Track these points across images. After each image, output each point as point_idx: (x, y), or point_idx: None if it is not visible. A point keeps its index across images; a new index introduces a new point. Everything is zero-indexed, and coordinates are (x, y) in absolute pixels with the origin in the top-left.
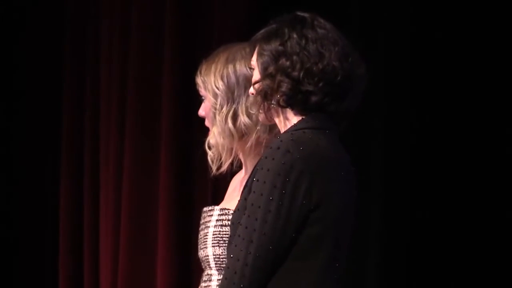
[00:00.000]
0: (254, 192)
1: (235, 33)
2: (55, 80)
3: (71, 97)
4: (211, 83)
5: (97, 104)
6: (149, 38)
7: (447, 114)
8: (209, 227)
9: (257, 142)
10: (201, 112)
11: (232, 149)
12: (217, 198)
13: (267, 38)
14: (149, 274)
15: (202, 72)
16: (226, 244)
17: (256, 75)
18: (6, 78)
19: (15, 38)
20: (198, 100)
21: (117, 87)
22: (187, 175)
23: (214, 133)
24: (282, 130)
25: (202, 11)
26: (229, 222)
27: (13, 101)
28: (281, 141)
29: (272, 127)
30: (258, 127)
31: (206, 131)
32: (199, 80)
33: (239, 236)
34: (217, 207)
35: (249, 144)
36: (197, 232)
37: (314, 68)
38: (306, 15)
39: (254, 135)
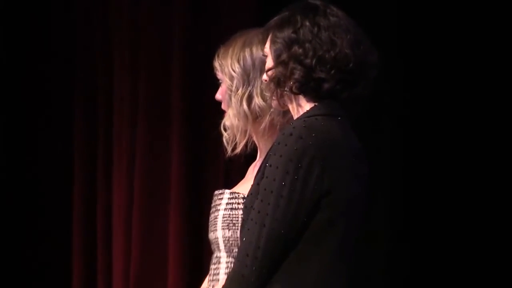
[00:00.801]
0: (267, 177)
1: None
2: (67, 78)
3: (83, 98)
4: (227, 66)
5: (109, 94)
6: (158, 35)
7: (445, 114)
8: (219, 210)
9: (271, 124)
10: (218, 95)
11: (246, 130)
12: (229, 182)
13: (280, 26)
14: (161, 263)
15: (220, 55)
16: (236, 227)
17: (269, 62)
18: (24, 84)
19: (29, 48)
20: (210, 87)
21: (128, 74)
22: (199, 160)
23: (229, 115)
24: (295, 116)
25: (209, 14)
26: (239, 205)
27: (29, 105)
28: (293, 127)
29: (286, 112)
30: (272, 109)
31: (220, 116)
32: (216, 63)
33: (251, 220)
34: (227, 191)
35: (263, 125)
36: (206, 216)
37: (327, 56)
38: (318, 2)
39: (268, 117)
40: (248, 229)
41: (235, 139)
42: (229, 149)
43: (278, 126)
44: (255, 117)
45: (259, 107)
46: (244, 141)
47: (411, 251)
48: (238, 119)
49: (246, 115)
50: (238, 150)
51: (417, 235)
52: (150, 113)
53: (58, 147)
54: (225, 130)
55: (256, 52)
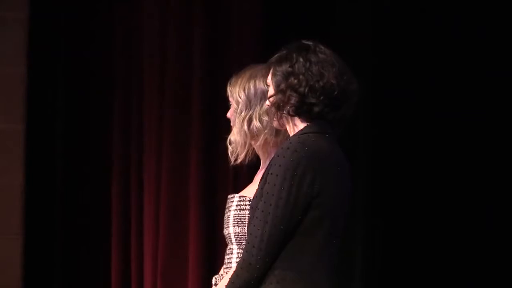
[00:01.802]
0: (268, 183)
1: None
2: (106, 97)
3: (119, 119)
4: (236, 93)
5: (141, 113)
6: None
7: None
8: (230, 210)
9: (265, 142)
10: (228, 114)
11: (245, 145)
12: (237, 187)
13: (279, 62)
14: (184, 249)
15: (231, 83)
16: (244, 224)
17: (271, 91)
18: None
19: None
20: (221, 109)
21: (156, 96)
22: (213, 168)
23: (234, 132)
24: (291, 133)
25: (223, 41)
26: (246, 206)
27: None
28: (290, 142)
29: (277, 133)
30: (266, 131)
31: (228, 134)
32: (228, 89)
33: (256, 218)
34: (237, 195)
35: (258, 143)
36: (220, 215)
37: (316, 85)
38: (309, 42)
39: (262, 136)
40: (254, 226)
41: (237, 151)
42: (232, 159)
43: (271, 143)
44: (252, 135)
45: (256, 128)
46: (244, 153)
47: (383, 239)
48: (239, 136)
49: (245, 133)
50: (239, 160)
51: (387, 227)
52: (174, 135)
53: (97, 155)
54: (230, 144)
55: (259, 84)
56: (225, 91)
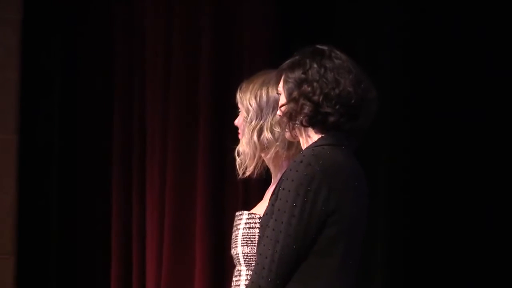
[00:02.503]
0: (280, 199)
1: (261, 61)
2: (107, 99)
3: (120, 115)
4: (246, 100)
5: (144, 117)
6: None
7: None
8: (239, 229)
9: (276, 155)
10: (236, 122)
11: (254, 157)
12: (247, 203)
13: (292, 68)
14: (189, 270)
15: (242, 89)
16: (253, 244)
17: (283, 99)
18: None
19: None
20: (231, 116)
21: (160, 99)
22: (221, 183)
23: (242, 142)
24: (305, 146)
25: (234, 46)
26: (256, 225)
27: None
28: (303, 155)
29: (290, 145)
30: (277, 143)
31: (237, 144)
32: (238, 95)
33: (267, 237)
34: (246, 212)
35: (269, 156)
36: (228, 233)
37: (332, 93)
38: (324, 47)
39: (273, 149)
40: (264, 245)
41: (246, 163)
42: (240, 172)
43: (283, 157)
44: (262, 147)
45: (267, 139)
46: (253, 166)
47: (405, 258)
48: (248, 147)
49: (255, 145)
50: (247, 173)
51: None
52: (179, 143)
53: (96, 167)
54: (238, 155)
55: (272, 91)
56: (234, 97)
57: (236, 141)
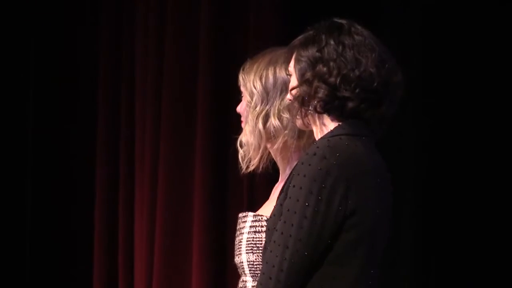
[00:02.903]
0: (290, 197)
1: (269, 43)
2: (91, 79)
3: (106, 99)
4: (250, 82)
5: (132, 111)
6: (185, 27)
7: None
8: (243, 233)
9: (284, 146)
10: (239, 108)
11: (259, 148)
12: (253, 203)
13: (305, 45)
14: (184, 278)
15: (245, 69)
16: (260, 251)
17: (294, 81)
18: (43, 88)
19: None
20: (234, 103)
21: (152, 89)
22: (222, 178)
23: (245, 132)
24: (319, 136)
25: (236, 22)
26: (263, 228)
27: (50, 106)
28: (317, 147)
29: (301, 134)
30: (286, 131)
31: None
32: (240, 77)
33: (274, 242)
34: (250, 213)
35: (275, 146)
36: (230, 235)
37: (351, 75)
38: (343, 21)
39: (281, 138)
40: (271, 251)
41: (250, 156)
42: (244, 166)
43: (292, 148)
44: (268, 136)
45: (274, 127)
46: (257, 158)
47: (436, 272)
48: (252, 136)
49: (260, 133)
50: (252, 167)
51: (440, 258)
52: (173, 134)
53: (82, 156)
54: (241, 146)
55: (280, 72)
56: (237, 79)
57: (239, 131)
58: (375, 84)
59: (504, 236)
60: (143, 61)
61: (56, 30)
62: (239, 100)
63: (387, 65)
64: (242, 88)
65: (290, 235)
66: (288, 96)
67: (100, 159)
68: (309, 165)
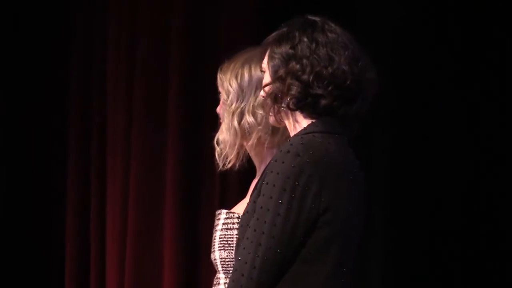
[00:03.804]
0: (263, 195)
1: (241, 36)
2: (62, 79)
3: (77, 98)
4: (226, 81)
5: (104, 109)
6: (157, 26)
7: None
8: (217, 230)
9: (259, 142)
10: (218, 109)
11: (235, 145)
12: (225, 200)
13: (278, 41)
14: (156, 276)
15: (223, 69)
16: (231, 248)
17: (267, 78)
18: (14, 81)
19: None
20: (206, 100)
21: (124, 87)
22: (195, 175)
23: (222, 129)
24: (292, 133)
25: (209, 14)
26: (234, 226)
27: (18, 101)
28: (291, 144)
29: (275, 131)
30: (260, 127)
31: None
32: (218, 77)
33: (247, 238)
34: (224, 211)
35: (250, 142)
36: (203, 233)
37: (324, 72)
38: (316, 19)
39: (255, 134)
40: (244, 248)
41: (226, 153)
42: (220, 163)
43: (266, 144)
44: (243, 133)
45: (248, 123)
46: (234, 155)
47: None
48: (228, 134)
49: (235, 130)
50: (229, 165)
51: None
52: (145, 129)
53: (53, 153)
54: (218, 144)
55: (255, 70)
56: (215, 79)
57: (213, 130)
58: (348, 82)
59: (470, 235)
60: (115, 57)
61: (26, 34)
62: (211, 100)
63: (360, 63)
64: (220, 88)
65: (263, 232)
66: (261, 93)
67: (71, 163)
68: (283, 162)
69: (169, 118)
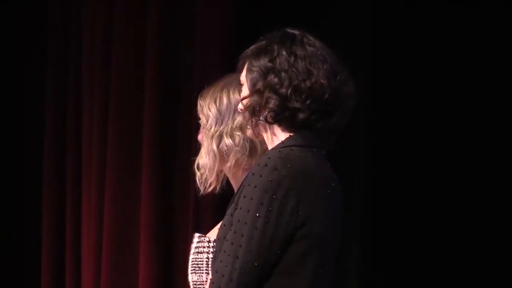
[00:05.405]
0: (240, 208)
1: (218, 45)
2: (39, 79)
3: (54, 101)
4: (206, 106)
5: (79, 114)
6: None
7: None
8: (190, 254)
9: (236, 164)
10: (199, 137)
11: (214, 168)
12: (198, 220)
13: (257, 54)
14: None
15: (202, 95)
16: (201, 271)
17: (245, 91)
18: None
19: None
20: (181, 109)
21: (99, 95)
22: (169, 188)
23: (201, 154)
24: (270, 146)
25: (184, 22)
26: (204, 249)
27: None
28: (268, 158)
29: (252, 152)
30: (237, 148)
31: (191, 156)
32: (198, 103)
33: (224, 251)
34: (197, 234)
35: (228, 164)
36: (176, 254)
37: (302, 86)
38: (296, 32)
39: (232, 156)
40: (221, 261)
41: (205, 177)
42: (201, 188)
43: (242, 165)
44: (221, 155)
45: (226, 146)
46: (213, 178)
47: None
48: (207, 157)
49: (214, 154)
50: (209, 189)
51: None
52: (120, 148)
53: (28, 156)
54: (198, 169)
55: (233, 94)
56: (195, 102)
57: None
58: (326, 96)
59: (450, 240)
60: (90, 66)
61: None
62: (188, 116)
63: (338, 76)
64: (200, 114)
65: (240, 246)
66: (240, 106)
67: (47, 175)
68: (260, 176)
69: (144, 130)
